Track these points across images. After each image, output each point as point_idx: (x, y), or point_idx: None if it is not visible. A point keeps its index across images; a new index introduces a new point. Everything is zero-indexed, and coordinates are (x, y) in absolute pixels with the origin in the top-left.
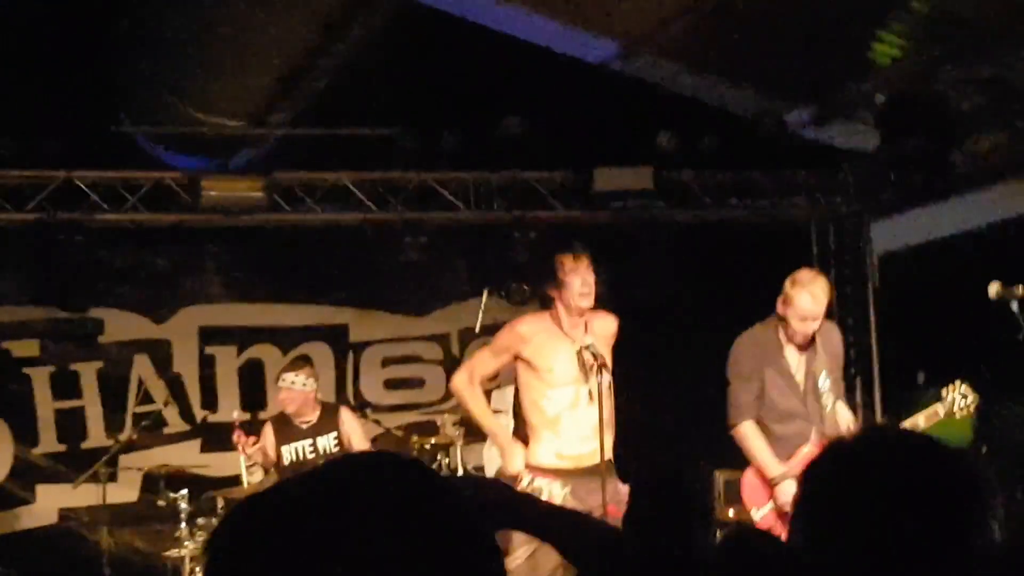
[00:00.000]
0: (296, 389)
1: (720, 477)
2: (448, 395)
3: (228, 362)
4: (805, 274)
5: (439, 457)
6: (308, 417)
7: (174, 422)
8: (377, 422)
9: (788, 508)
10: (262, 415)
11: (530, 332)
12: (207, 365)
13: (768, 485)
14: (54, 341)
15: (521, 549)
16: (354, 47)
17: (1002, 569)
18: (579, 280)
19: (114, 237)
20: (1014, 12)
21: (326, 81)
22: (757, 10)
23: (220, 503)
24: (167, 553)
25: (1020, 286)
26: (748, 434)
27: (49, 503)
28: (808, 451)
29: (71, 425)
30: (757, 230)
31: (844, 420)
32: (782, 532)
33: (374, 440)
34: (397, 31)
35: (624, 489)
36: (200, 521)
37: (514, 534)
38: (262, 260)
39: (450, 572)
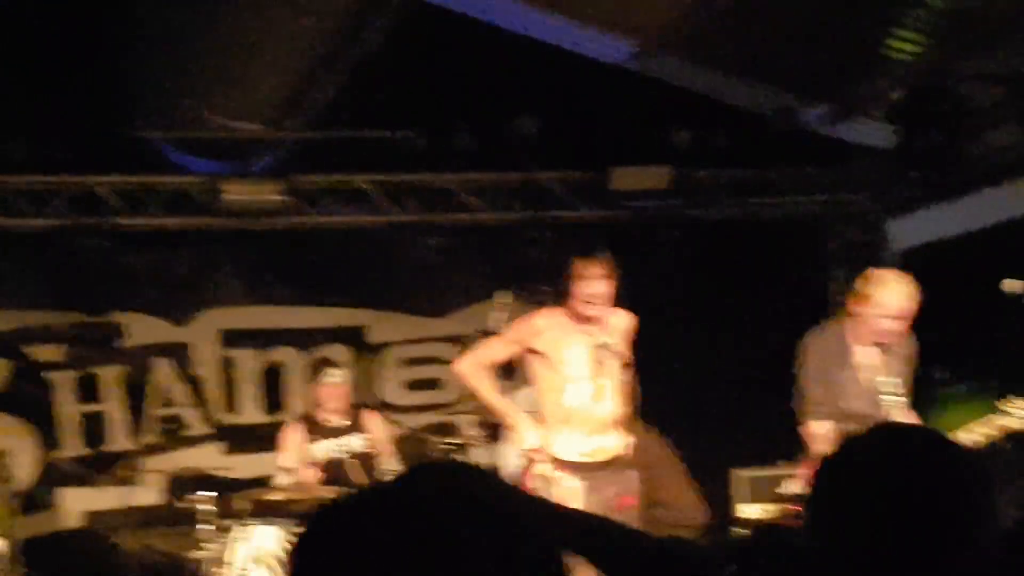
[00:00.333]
0: (340, 383)
1: (742, 475)
2: (467, 396)
3: (249, 364)
4: (880, 272)
5: (459, 458)
6: (339, 416)
7: (195, 425)
8: (397, 423)
9: None
10: (283, 417)
11: (545, 325)
12: (228, 368)
13: None
14: (76, 345)
15: None
16: (369, 49)
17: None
18: (586, 287)
19: (135, 242)
20: None
21: (343, 84)
22: (772, 7)
23: (243, 505)
24: (190, 555)
25: None
26: (817, 433)
27: (73, 507)
28: None
29: (94, 429)
30: (773, 228)
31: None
32: None
33: (395, 441)
34: (412, 32)
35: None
36: (223, 523)
37: None
38: (281, 263)
39: None
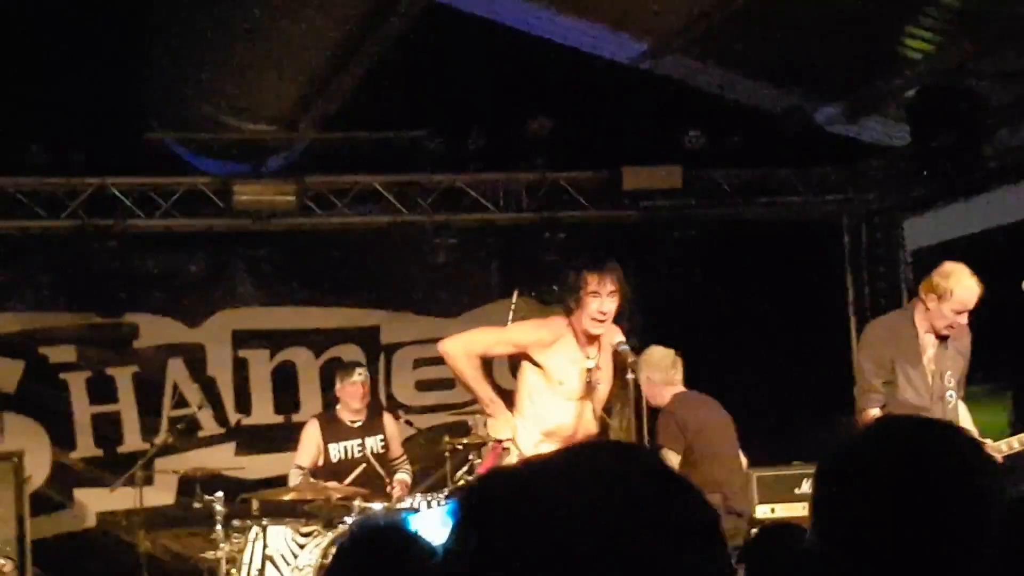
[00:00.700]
0: (365, 381)
1: (753, 475)
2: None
3: (261, 365)
4: (955, 266)
5: (471, 457)
6: (358, 417)
7: (208, 425)
8: (409, 423)
9: None
10: (295, 417)
11: (551, 339)
12: (240, 368)
13: None
14: (90, 346)
15: None
16: (382, 50)
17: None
18: (596, 305)
19: (148, 243)
20: None
21: (355, 85)
22: (785, 6)
23: (255, 505)
24: (203, 555)
25: None
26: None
27: (87, 507)
28: None
29: (107, 429)
30: (788, 228)
31: (964, 418)
32: None
33: (407, 441)
34: (424, 33)
35: None
36: (236, 523)
37: None
38: (294, 263)
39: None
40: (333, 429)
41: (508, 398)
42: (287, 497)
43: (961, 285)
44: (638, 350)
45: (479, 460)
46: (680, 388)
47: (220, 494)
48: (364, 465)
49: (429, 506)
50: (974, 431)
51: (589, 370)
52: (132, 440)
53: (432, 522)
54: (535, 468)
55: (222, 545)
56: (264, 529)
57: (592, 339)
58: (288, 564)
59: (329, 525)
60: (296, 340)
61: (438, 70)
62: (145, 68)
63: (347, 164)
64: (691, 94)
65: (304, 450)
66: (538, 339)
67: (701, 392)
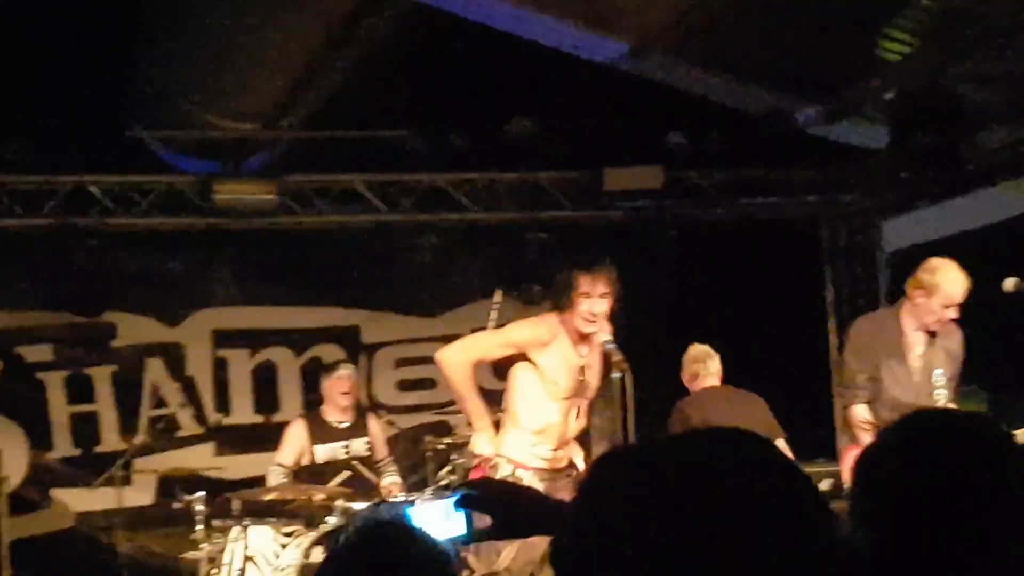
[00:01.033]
0: (351, 376)
1: None
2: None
3: (241, 365)
4: (941, 261)
5: (452, 457)
6: (344, 418)
7: (188, 425)
8: (391, 423)
9: None
10: (276, 417)
11: (549, 336)
12: (220, 368)
13: None
14: (68, 346)
15: (506, 550)
16: (364, 50)
17: None
18: (587, 306)
19: (127, 241)
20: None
21: (337, 84)
22: (765, 8)
23: (237, 505)
24: (184, 556)
25: None
26: (862, 419)
27: (65, 507)
28: None
29: (85, 429)
30: (768, 228)
31: None
32: None
33: (388, 441)
34: (406, 33)
35: None
36: (216, 523)
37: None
38: (274, 263)
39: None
40: (320, 430)
41: (492, 398)
42: (269, 497)
43: (948, 279)
44: (624, 349)
45: (461, 459)
46: (708, 383)
47: (201, 494)
48: (348, 472)
49: (412, 504)
50: None
51: (581, 368)
52: (110, 440)
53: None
54: (650, 452)
55: (203, 545)
56: (245, 529)
57: (584, 338)
58: (270, 564)
59: (311, 525)
60: (276, 340)
61: (420, 70)
62: (125, 66)
63: (328, 163)
64: (672, 95)
65: (287, 449)
66: (536, 337)
67: (741, 389)
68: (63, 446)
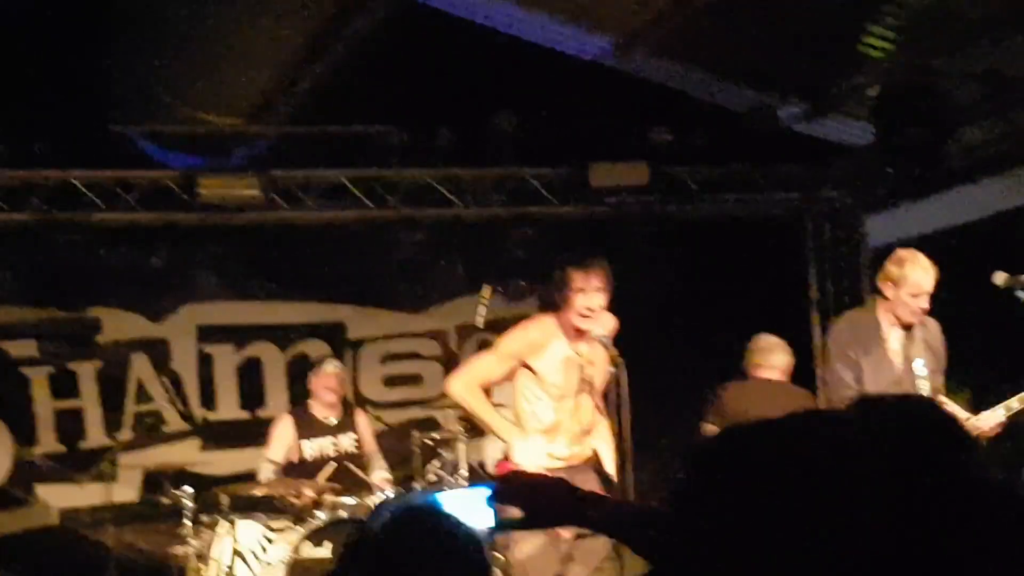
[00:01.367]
0: (340, 372)
1: None
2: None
3: (226, 360)
4: (907, 252)
5: (442, 452)
6: (332, 414)
7: (173, 421)
8: (378, 418)
9: None
10: (261, 413)
11: (540, 338)
12: (205, 364)
13: None
14: (52, 341)
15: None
16: (350, 45)
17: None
18: (583, 301)
19: (111, 236)
20: (1006, 2)
21: (322, 79)
22: (749, 5)
23: (225, 500)
24: (172, 551)
25: None
26: None
27: (49, 503)
28: None
29: (70, 425)
30: (752, 224)
31: None
32: None
33: (376, 436)
34: (392, 29)
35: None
36: (204, 519)
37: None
38: (259, 258)
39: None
40: (307, 426)
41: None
42: (257, 492)
43: (914, 269)
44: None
45: (450, 455)
46: (765, 375)
47: (189, 489)
48: (335, 466)
49: (381, 504)
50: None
51: (581, 365)
52: (95, 436)
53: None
54: (773, 427)
55: (191, 540)
56: (233, 524)
57: (582, 334)
58: (258, 559)
59: (299, 520)
60: (262, 335)
61: (406, 65)
62: (110, 60)
63: (314, 158)
64: (657, 91)
65: (276, 444)
66: (530, 343)
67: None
68: (47, 442)
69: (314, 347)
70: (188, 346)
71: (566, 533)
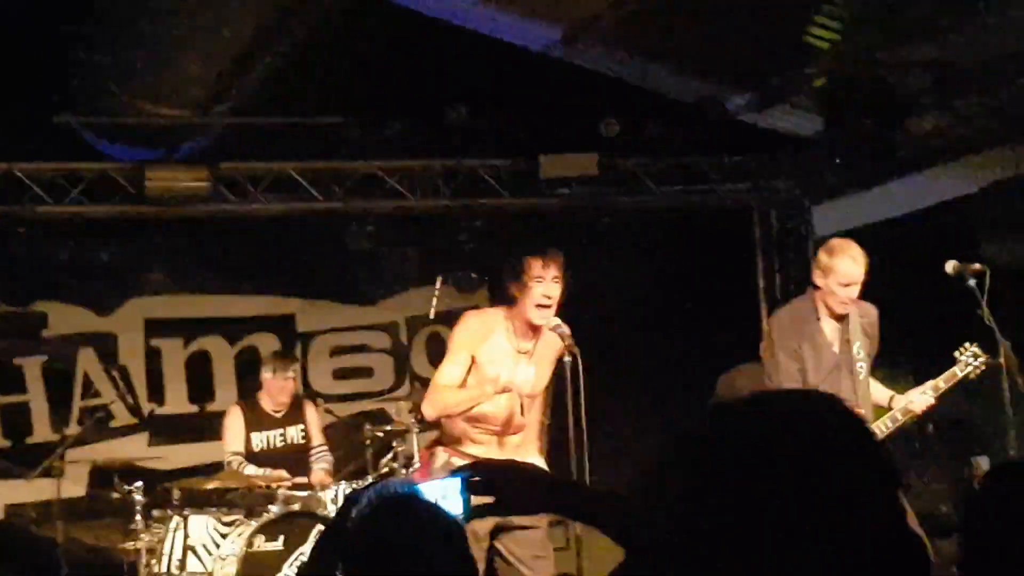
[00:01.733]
0: (291, 379)
1: None
2: (397, 383)
3: (174, 354)
4: (839, 241)
5: (394, 444)
6: (281, 407)
7: (121, 416)
8: (329, 411)
9: None
10: (210, 407)
11: (485, 329)
12: (153, 358)
13: None
14: None
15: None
16: (299, 36)
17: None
18: (541, 291)
19: (57, 229)
20: None
21: (271, 70)
22: None
23: (176, 495)
24: (123, 547)
25: (977, 263)
26: None
27: None
28: None
29: (16, 420)
30: (701, 215)
31: (877, 393)
32: None
33: (326, 429)
34: (342, 20)
35: None
36: (156, 514)
37: None
38: (208, 251)
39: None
40: (256, 417)
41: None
42: (210, 486)
43: (843, 259)
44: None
45: (402, 447)
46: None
47: (139, 484)
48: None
49: (354, 492)
50: (886, 400)
51: (521, 362)
52: (41, 431)
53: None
54: (758, 408)
55: (142, 536)
56: (185, 519)
57: (531, 329)
58: (210, 554)
59: (251, 514)
60: (210, 329)
61: (355, 57)
62: (55, 51)
63: (262, 150)
64: (606, 82)
65: (233, 437)
66: (473, 333)
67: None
68: None
69: (263, 340)
70: (136, 340)
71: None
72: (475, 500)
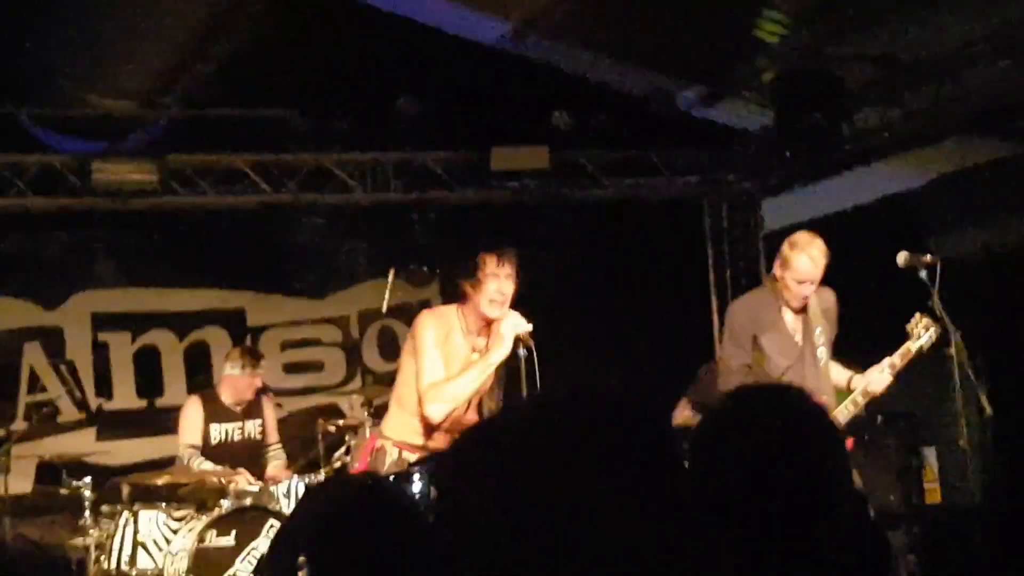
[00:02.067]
0: (259, 377)
1: None
2: (349, 377)
3: (122, 348)
4: (802, 236)
5: (347, 439)
6: (242, 403)
7: (68, 411)
8: (279, 405)
9: None
10: (159, 402)
11: (444, 330)
12: (101, 352)
13: None
14: None
15: None
16: (248, 27)
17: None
18: (495, 286)
19: (2, 222)
20: None
21: (220, 62)
22: None
23: (126, 490)
24: (71, 543)
25: (928, 255)
26: None
27: None
28: None
29: None
30: (652, 208)
31: (836, 375)
32: None
33: (278, 423)
34: (292, 11)
35: None
36: (105, 509)
37: None
38: (156, 244)
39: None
40: (215, 410)
41: (381, 380)
42: (160, 481)
43: (800, 256)
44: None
45: (355, 441)
46: None
47: (88, 479)
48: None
49: (306, 488)
50: (845, 381)
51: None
52: None
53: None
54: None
55: (91, 532)
56: (135, 514)
57: (483, 326)
58: (161, 549)
59: (202, 508)
60: (159, 323)
61: (305, 49)
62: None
63: (211, 143)
64: (557, 76)
65: (190, 429)
66: (437, 331)
67: None
68: None
69: (213, 334)
70: (83, 334)
71: None
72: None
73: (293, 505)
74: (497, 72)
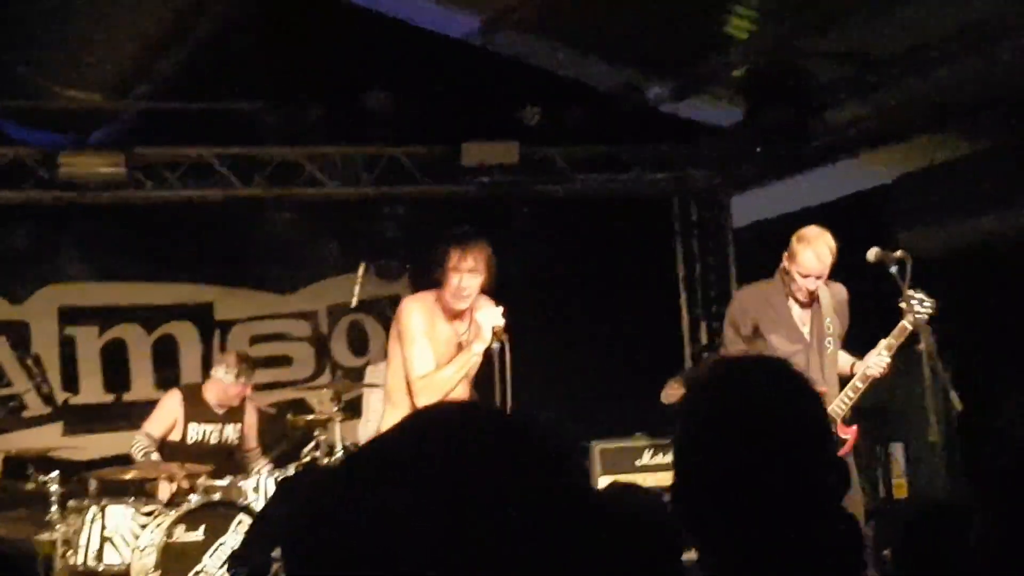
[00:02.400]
0: (250, 386)
1: (596, 447)
2: (318, 372)
3: (89, 343)
4: (811, 231)
5: (316, 434)
6: (226, 406)
7: (34, 405)
8: (261, 410)
9: None
10: (126, 396)
11: (430, 314)
12: (67, 346)
13: None
14: None
15: None
16: (218, 20)
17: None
18: (459, 280)
19: None
20: None
21: (189, 54)
22: None
23: (93, 485)
24: (39, 538)
25: (899, 250)
26: None
27: None
28: None
29: None
30: (621, 204)
31: (843, 368)
32: None
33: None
34: (260, 4)
35: None
36: (72, 504)
37: None
38: (123, 238)
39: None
40: (197, 408)
41: (350, 374)
42: (128, 476)
43: (805, 251)
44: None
45: (324, 436)
46: None
47: (55, 474)
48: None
49: (276, 482)
50: (848, 367)
51: (459, 344)
52: None
53: None
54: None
55: (58, 527)
56: (103, 509)
57: (459, 315)
58: (128, 545)
59: (171, 504)
60: (126, 317)
61: (275, 42)
62: None
63: (180, 136)
64: (527, 70)
65: (158, 420)
66: (424, 317)
67: None
68: None
69: (181, 328)
70: (49, 328)
71: None
72: None
73: (262, 500)
74: (467, 67)
